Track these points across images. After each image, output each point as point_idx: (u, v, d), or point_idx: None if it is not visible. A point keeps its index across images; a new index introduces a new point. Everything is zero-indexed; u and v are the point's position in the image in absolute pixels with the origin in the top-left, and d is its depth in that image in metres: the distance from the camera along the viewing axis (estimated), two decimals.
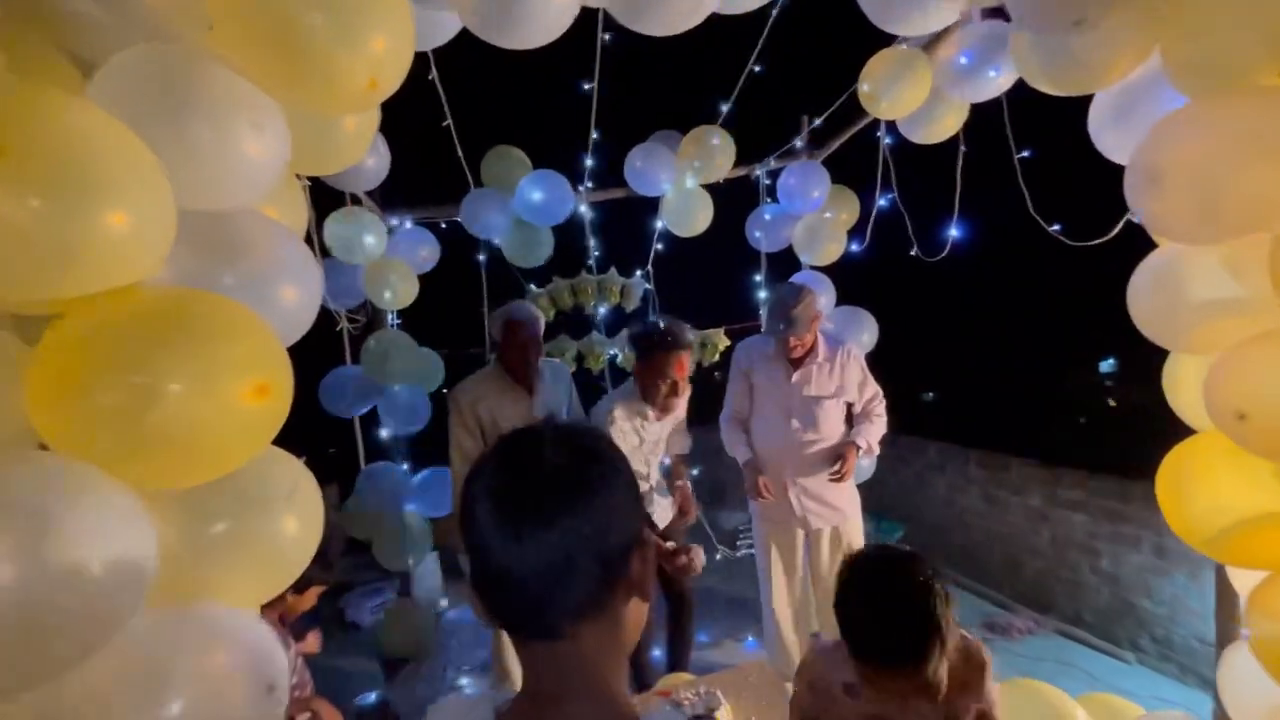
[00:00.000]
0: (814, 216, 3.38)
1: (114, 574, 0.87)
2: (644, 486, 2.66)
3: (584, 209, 3.53)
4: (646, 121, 3.44)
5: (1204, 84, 1.40)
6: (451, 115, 2.87)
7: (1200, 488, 1.51)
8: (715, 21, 1.87)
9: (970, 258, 3.20)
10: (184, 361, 0.94)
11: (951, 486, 4.34)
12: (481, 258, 3.60)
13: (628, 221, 3.75)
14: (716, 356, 3.92)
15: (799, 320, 2.57)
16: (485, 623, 0.74)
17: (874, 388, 2.85)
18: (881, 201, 3.24)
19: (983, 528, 4.09)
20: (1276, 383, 1.26)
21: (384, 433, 3.41)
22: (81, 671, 0.90)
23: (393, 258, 3.16)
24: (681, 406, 2.71)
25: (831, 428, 2.75)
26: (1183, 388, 1.63)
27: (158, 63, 1.01)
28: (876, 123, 2.99)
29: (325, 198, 2.87)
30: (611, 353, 3.87)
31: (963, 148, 2.71)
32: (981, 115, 2.46)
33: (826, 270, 3.46)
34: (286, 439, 1.14)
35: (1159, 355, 1.74)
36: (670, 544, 2.51)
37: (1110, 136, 1.70)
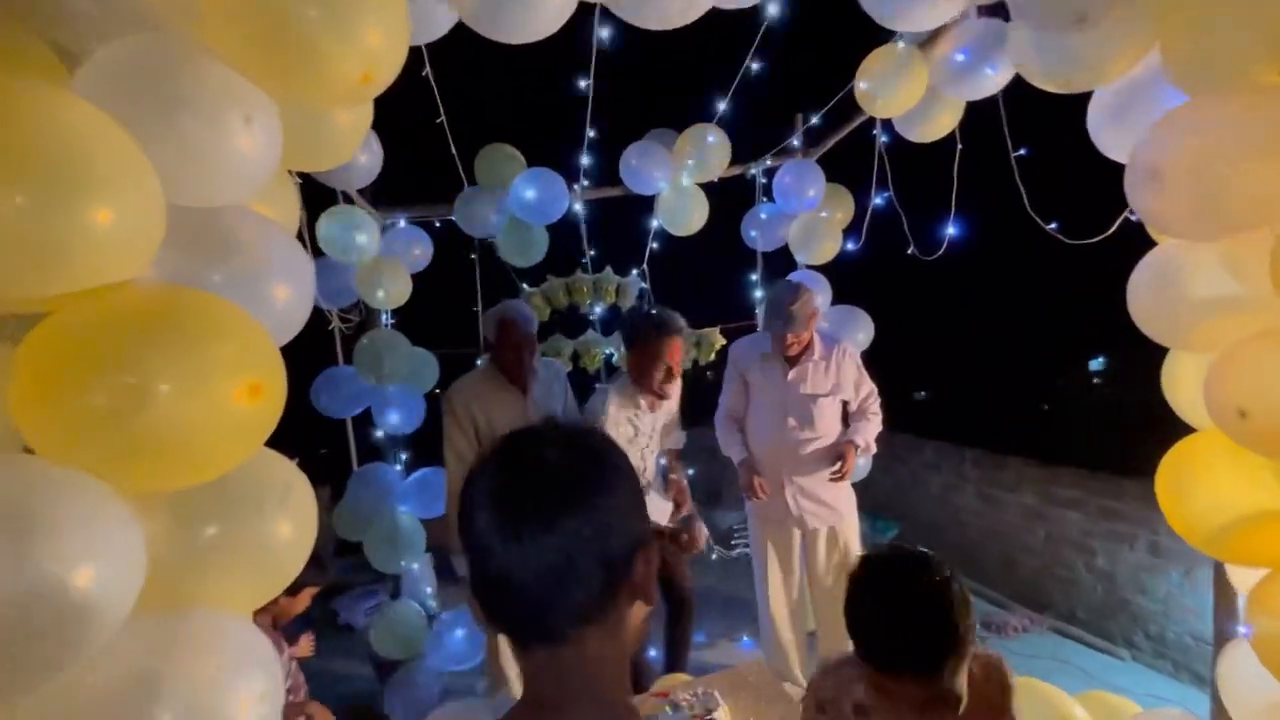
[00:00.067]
0: (809, 215, 3.37)
1: (101, 580, 0.85)
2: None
3: (579, 207, 3.51)
4: (642, 119, 3.43)
5: (1203, 82, 1.40)
6: (444, 112, 2.85)
7: (1200, 486, 1.51)
8: (711, 19, 1.85)
9: (967, 256, 3.20)
10: (174, 361, 0.91)
11: (947, 485, 4.35)
12: (475, 257, 3.57)
13: (623, 220, 3.74)
14: (712, 356, 3.91)
15: (797, 317, 2.56)
16: (484, 628, 0.72)
17: (870, 386, 2.85)
18: (877, 200, 3.24)
19: (978, 526, 4.10)
20: (1277, 381, 1.25)
21: (377, 433, 3.38)
22: (69, 680, 0.88)
23: (386, 257, 3.13)
24: (674, 399, 2.70)
25: (828, 426, 2.75)
26: (1182, 386, 1.63)
27: (145, 54, 0.98)
28: (872, 121, 2.98)
29: (317, 196, 2.84)
30: (607, 352, 3.85)
31: (959, 146, 2.70)
32: (978, 113, 2.46)
33: (822, 269, 3.45)
34: (278, 440, 1.12)
35: (1156, 353, 1.74)
36: (668, 525, 2.51)
37: (1109, 134, 1.70)
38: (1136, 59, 1.54)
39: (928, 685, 1.00)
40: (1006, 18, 2.06)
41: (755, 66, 2.85)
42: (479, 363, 3.05)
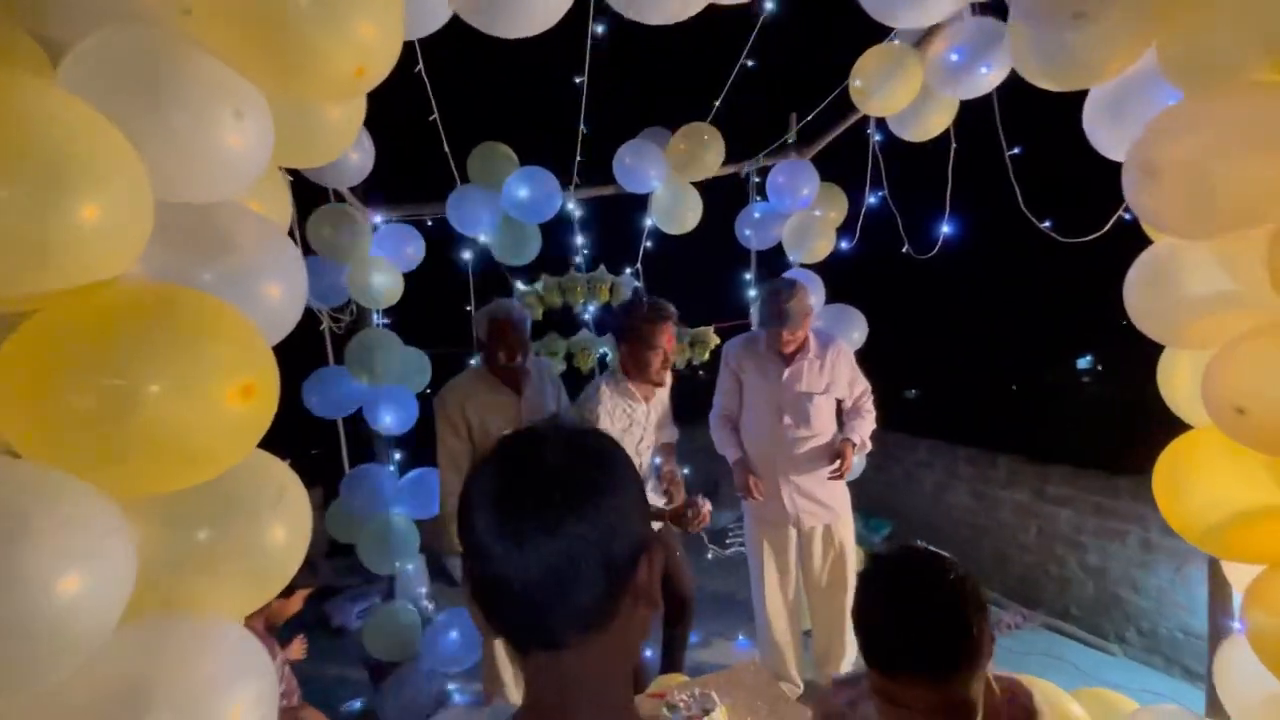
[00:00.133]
0: (803, 214, 3.37)
1: (90, 586, 0.83)
2: None
3: (572, 206, 3.50)
4: (636, 118, 3.41)
5: (1199, 80, 1.40)
6: (437, 109, 2.82)
7: (1197, 483, 1.52)
8: (704, 17, 1.84)
9: (961, 255, 3.21)
10: (164, 361, 0.89)
11: (940, 483, 4.37)
12: (468, 255, 3.55)
13: (616, 219, 3.72)
14: (707, 355, 3.90)
15: (793, 314, 2.56)
16: (484, 633, 0.70)
17: (864, 383, 2.86)
18: (871, 199, 3.24)
19: (971, 524, 4.12)
20: (1274, 378, 1.26)
21: (369, 434, 3.35)
22: (57, 688, 0.86)
23: (377, 255, 3.10)
24: (666, 391, 2.69)
25: (823, 424, 2.75)
26: (1178, 383, 1.63)
27: (133, 45, 0.95)
28: (866, 120, 2.98)
29: (307, 194, 2.81)
30: (601, 351, 3.84)
31: (953, 145, 2.71)
32: (972, 112, 2.46)
33: (816, 268, 3.46)
34: (269, 441, 1.10)
35: (1149, 351, 1.75)
36: (671, 506, 2.50)
37: (1105, 133, 1.70)
38: (1134, 57, 1.54)
39: (938, 691, 0.94)
40: (1001, 16, 2.07)
41: (749, 65, 2.85)
42: (472, 363, 3.02)
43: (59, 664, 0.84)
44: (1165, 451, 1.61)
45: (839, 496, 2.81)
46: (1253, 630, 1.45)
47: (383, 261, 3.09)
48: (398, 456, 3.43)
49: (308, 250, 2.86)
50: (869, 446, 2.80)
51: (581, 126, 3.12)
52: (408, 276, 3.18)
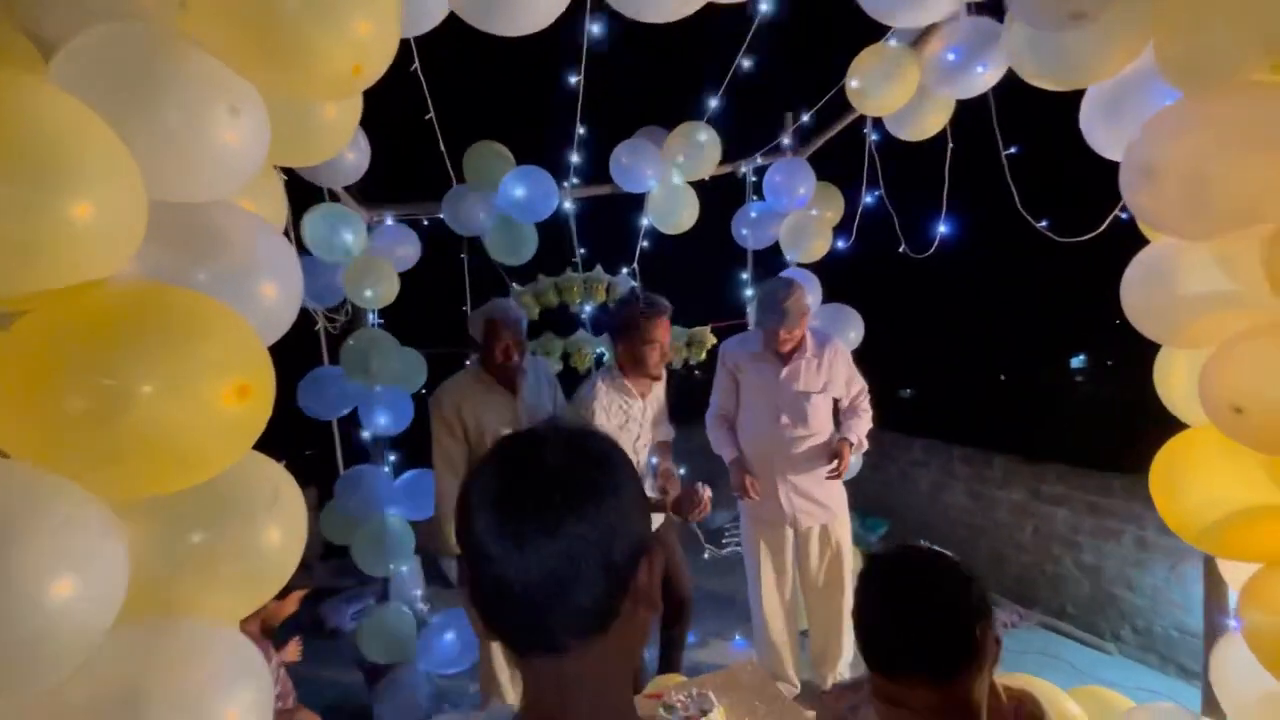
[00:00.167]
0: (800, 214, 3.37)
1: (82, 590, 0.82)
2: None
3: (568, 205, 3.49)
4: (632, 117, 3.41)
5: (1197, 79, 1.40)
6: (433, 108, 2.81)
7: (1194, 482, 1.52)
8: (701, 17, 1.84)
9: (957, 254, 3.21)
10: (158, 362, 0.88)
11: (936, 483, 4.38)
12: (464, 255, 3.53)
13: (613, 218, 3.71)
14: (703, 355, 3.90)
15: (790, 313, 2.56)
16: (482, 637, 0.69)
17: (860, 382, 2.86)
18: (868, 199, 3.25)
19: (967, 523, 4.13)
20: (1272, 377, 1.26)
21: (365, 434, 3.33)
22: (50, 694, 0.85)
23: (373, 255, 3.09)
24: (661, 387, 2.69)
25: (820, 423, 2.75)
26: (1175, 382, 1.63)
27: (126, 41, 0.94)
28: (863, 119, 2.99)
29: (302, 193, 2.79)
30: (598, 351, 3.83)
31: (950, 144, 2.71)
32: (969, 112, 2.46)
33: (812, 268, 3.46)
34: (263, 443, 1.09)
35: (1145, 350, 1.75)
36: (672, 495, 2.50)
37: (1102, 132, 1.70)
38: (1131, 56, 1.54)
39: (939, 692, 0.91)
40: (997, 16, 2.07)
41: (746, 64, 2.84)
42: (468, 363, 3.01)
43: (51, 669, 0.83)
44: (1162, 451, 1.61)
45: (836, 496, 2.82)
46: (1249, 628, 1.45)
47: (378, 261, 3.08)
48: (393, 458, 3.41)
49: (303, 250, 2.84)
50: (866, 446, 2.81)
51: (578, 126, 3.11)
52: (403, 276, 3.17)
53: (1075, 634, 3.40)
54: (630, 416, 2.56)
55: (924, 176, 2.95)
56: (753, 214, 3.52)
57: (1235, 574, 1.60)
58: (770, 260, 3.64)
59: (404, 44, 1.87)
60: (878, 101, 2.43)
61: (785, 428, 2.71)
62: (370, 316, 3.27)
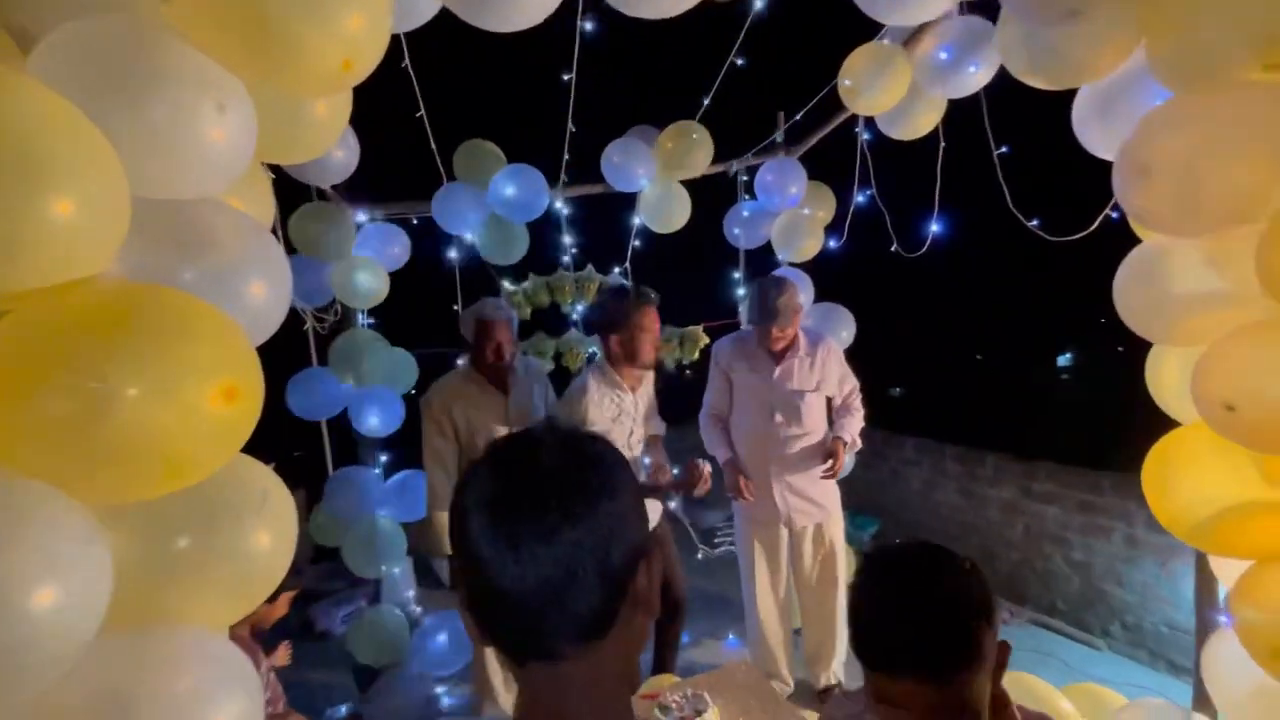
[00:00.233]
0: (791, 213, 3.37)
1: (65, 598, 0.79)
2: None
3: (560, 204, 3.47)
4: (624, 116, 3.39)
5: (1188, 79, 1.41)
6: (424, 106, 2.78)
7: (1185, 479, 1.53)
8: (692, 15, 1.83)
9: (949, 253, 3.22)
10: (143, 363, 0.86)
11: (927, 481, 4.39)
12: (454, 255, 3.51)
13: (605, 217, 3.70)
14: (695, 354, 3.89)
15: (783, 311, 2.56)
16: (478, 643, 0.68)
17: (853, 381, 2.87)
18: (859, 198, 3.25)
19: (958, 521, 4.15)
20: (1264, 375, 1.27)
21: (354, 435, 3.30)
22: (33, 704, 0.82)
23: (362, 255, 3.06)
24: (650, 381, 2.68)
25: (814, 422, 2.75)
26: (1167, 380, 1.64)
27: (109, 35, 0.92)
28: (854, 119, 2.99)
29: (289, 192, 2.76)
30: (590, 351, 3.81)
31: (942, 143, 2.72)
32: (960, 111, 2.47)
33: (804, 267, 3.46)
34: (251, 444, 1.06)
35: (1136, 349, 1.75)
36: (671, 478, 2.50)
37: (1095, 131, 1.71)
38: (1123, 55, 1.55)
39: (936, 691, 0.88)
40: (989, 15, 2.07)
41: (738, 63, 2.84)
42: (459, 363, 2.99)
43: (35, 677, 0.81)
44: (1154, 448, 1.62)
45: (830, 495, 2.82)
46: (1241, 624, 1.46)
47: (367, 260, 3.05)
48: (383, 459, 3.38)
49: (291, 249, 2.81)
50: (859, 444, 2.81)
51: (569, 124, 3.09)
52: (393, 276, 3.14)
53: (1066, 630, 3.42)
54: (623, 410, 2.55)
55: (916, 176, 2.96)
56: (745, 213, 3.51)
57: (1226, 570, 1.61)
58: (762, 259, 3.64)
59: (394, 40, 1.85)
60: (870, 100, 2.44)
61: (779, 427, 2.71)
62: (360, 316, 3.24)
